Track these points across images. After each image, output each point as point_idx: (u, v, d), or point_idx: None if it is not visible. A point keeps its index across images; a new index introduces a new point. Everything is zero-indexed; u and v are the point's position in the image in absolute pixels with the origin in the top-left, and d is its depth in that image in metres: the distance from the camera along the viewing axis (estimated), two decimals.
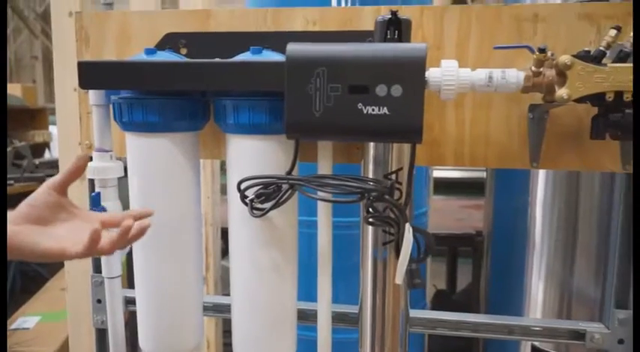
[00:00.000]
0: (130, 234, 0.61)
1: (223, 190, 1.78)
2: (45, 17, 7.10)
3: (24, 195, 0.68)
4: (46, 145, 3.30)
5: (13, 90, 3.26)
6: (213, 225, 1.77)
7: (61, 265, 2.54)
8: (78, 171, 0.69)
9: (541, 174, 1.10)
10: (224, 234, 1.37)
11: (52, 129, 3.42)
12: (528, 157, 0.82)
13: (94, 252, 0.61)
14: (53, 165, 3.09)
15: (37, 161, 2.98)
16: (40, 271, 2.73)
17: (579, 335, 0.88)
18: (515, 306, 1.18)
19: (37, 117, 3.33)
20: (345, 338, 0.93)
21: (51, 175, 3.04)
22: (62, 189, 0.68)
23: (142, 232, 0.63)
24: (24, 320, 1.89)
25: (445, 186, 1.86)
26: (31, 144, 3.00)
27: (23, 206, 0.67)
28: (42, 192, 0.67)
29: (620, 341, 0.85)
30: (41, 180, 2.85)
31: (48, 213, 0.66)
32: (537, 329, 0.92)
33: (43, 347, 1.68)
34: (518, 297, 1.15)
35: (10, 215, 0.65)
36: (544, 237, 1.10)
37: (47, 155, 3.28)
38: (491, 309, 1.36)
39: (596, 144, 0.79)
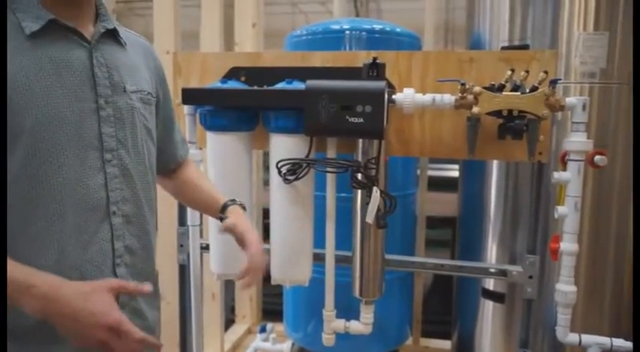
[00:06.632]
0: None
1: (265, 183, 2.21)
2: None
3: None
4: None
5: None
6: (257, 205, 2.22)
7: None
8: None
9: (495, 167, 1.49)
10: (265, 214, 1.73)
11: None
12: (467, 150, 1.23)
13: None
14: None
15: None
16: None
17: (503, 273, 1.28)
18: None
19: None
20: (344, 281, 1.32)
21: None
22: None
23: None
24: None
25: (444, 184, 2.24)
26: None
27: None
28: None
29: (530, 277, 1.25)
30: None
31: None
32: (478, 268, 1.33)
33: None
34: (478, 258, 1.55)
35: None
36: (497, 212, 1.50)
37: None
38: None
39: (512, 143, 1.19)
